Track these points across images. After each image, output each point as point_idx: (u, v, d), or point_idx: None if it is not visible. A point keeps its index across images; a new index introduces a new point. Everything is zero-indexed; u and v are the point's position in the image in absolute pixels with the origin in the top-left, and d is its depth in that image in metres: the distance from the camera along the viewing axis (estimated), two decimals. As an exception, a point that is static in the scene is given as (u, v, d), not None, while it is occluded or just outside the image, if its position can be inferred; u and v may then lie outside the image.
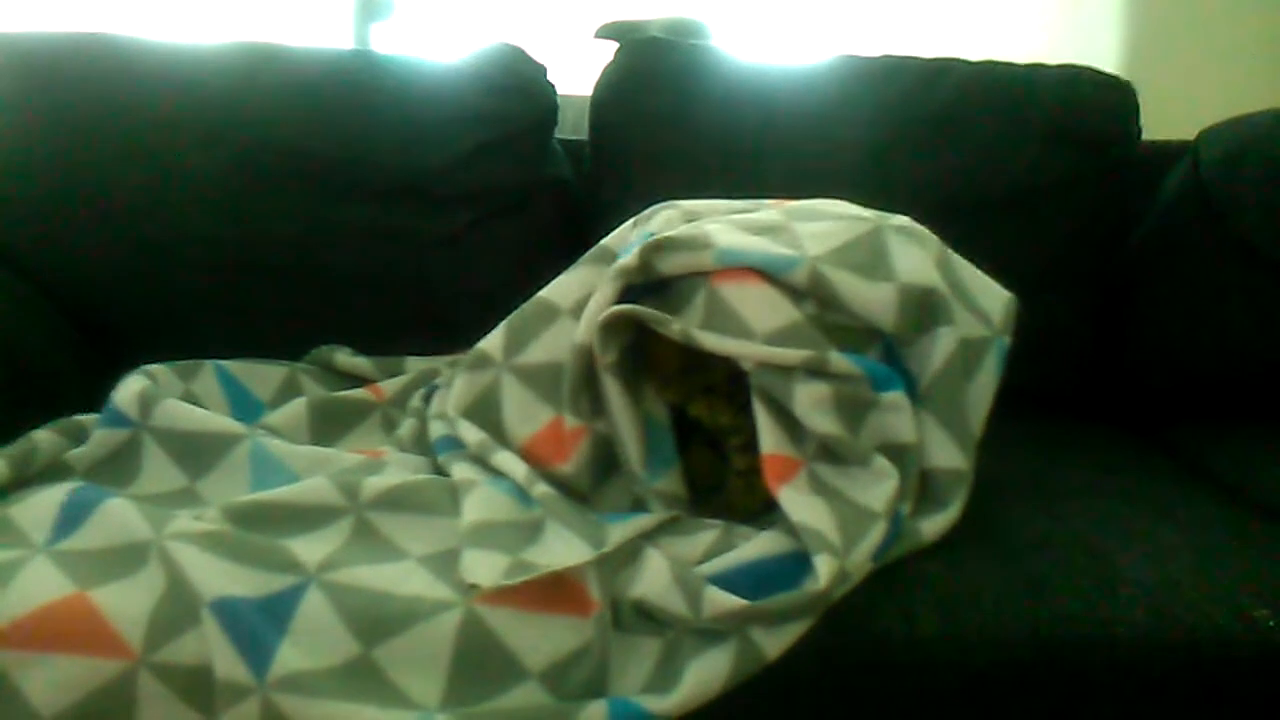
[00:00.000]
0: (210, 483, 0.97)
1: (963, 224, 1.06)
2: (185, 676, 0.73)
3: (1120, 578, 0.87)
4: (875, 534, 0.83)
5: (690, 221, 1.03)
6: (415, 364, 1.25)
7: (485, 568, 0.80)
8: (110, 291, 1.29)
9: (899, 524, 0.87)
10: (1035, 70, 1.44)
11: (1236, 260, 1.32)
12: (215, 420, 1.01)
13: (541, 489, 0.91)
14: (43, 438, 0.96)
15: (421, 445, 1.06)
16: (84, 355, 1.23)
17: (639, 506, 0.95)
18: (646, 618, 0.81)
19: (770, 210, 1.03)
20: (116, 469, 0.97)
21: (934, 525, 0.90)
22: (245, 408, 1.14)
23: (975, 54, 1.47)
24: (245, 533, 0.83)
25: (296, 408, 1.11)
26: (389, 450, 1.05)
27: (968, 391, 0.96)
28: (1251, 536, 0.96)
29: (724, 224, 0.98)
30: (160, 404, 1.00)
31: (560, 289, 1.03)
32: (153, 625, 0.74)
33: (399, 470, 0.96)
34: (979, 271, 1.03)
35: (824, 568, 0.78)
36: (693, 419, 0.96)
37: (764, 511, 0.92)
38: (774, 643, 0.77)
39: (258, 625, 0.74)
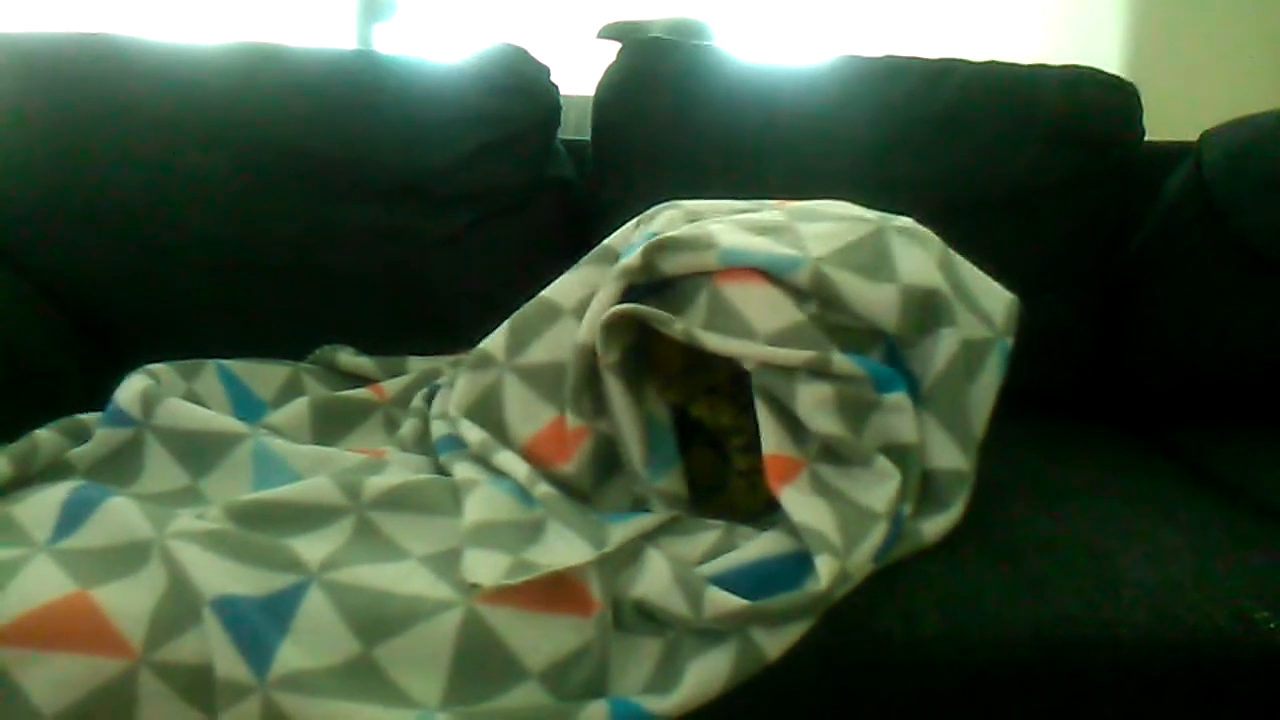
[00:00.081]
0: (212, 482, 0.97)
1: (964, 224, 1.06)
2: (186, 675, 0.73)
3: (1121, 578, 0.87)
4: (877, 535, 0.83)
5: (692, 221, 1.03)
6: (417, 364, 1.26)
7: (486, 567, 0.80)
8: (111, 291, 1.29)
9: (900, 525, 0.87)
10: (1038, 71, 1.44)
11: (1238, 261, 1.32)
12: (217, 419, 1.01)
13: (543, 489, 0.91)
14: (44, 437, 0.96)
15: (423, 445, 1.06)
16: (85, 355, 1.23)
17: (640, 506, 0.95)
18: (647, 618, 0.81)
19: (773, 211, 1.03)
20: (118, 468, 0.97)
21: (935, 526, 0.90)
22: (247, 407, 1.14)
23: (978, 54, 1.47)
24: (247, 532, 0.83)
25: (299, 407, 1.11)
26: (391, 450, 1.05)
27: (970, 393, 0.96)
28: (1252, 538, 0.96)
29: (727, 224, 0.98)
30: (163, 403, 1.00)
31: (562, 289, 1.03)
32: (154, 624, 0.74)
33: (401, 470, 0.96)
34: (981, 272, 1.03)
35: (825, 568, 0.78)
36: (694, 419, 0.96)
37: (765, 512, 0.92)
38: (775, 643, 0.77)
39: (259, 624, 0.74)
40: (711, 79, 1.40)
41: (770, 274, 0.93)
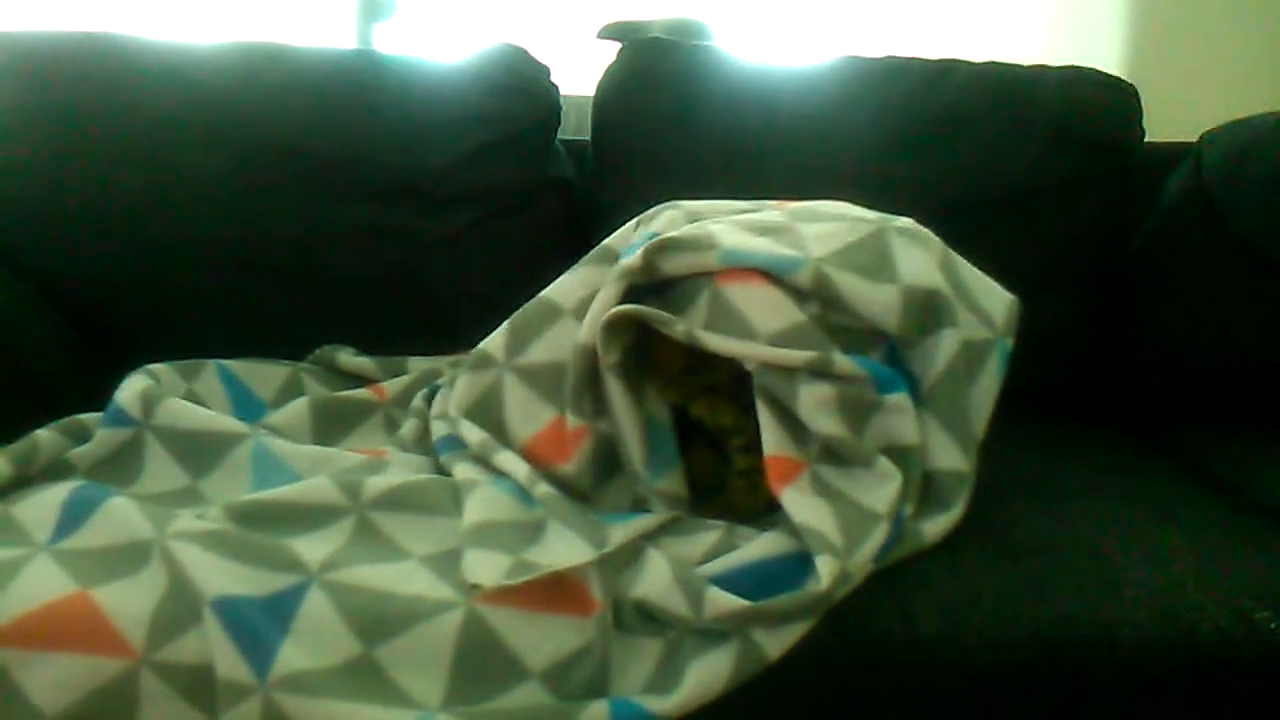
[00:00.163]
0: (212, 482, 0.97)
1: (964, 224, 1.07)
2: (187, 676, 0.73)
3: (1122, 579, 0.87)
4: (878, 535, 0.84)
5: (693, 222, 1.03)
6: (418, 364, 1.25)
7: (487, 568, 0.80)
8: (111, 291, 1.29)
9: (901, 526, 0.87)
10: (1037, 71, 1.44)
11: (1238, 262, 1.33)
12: (218, 420, 1.01)
13: (543, 489, 0.91)
14: (45, 437, 0.95)
15: (424, 445, 1.06)
16: (84, 355, 1.23)
17: (640, 506, 0.95)
18: (648, 618, 0.81)
19: (773, 211, 1.03)
20: (119, 468, 0.97)
21: (936, 526, 0.90)
22: (247, 407, 1.14)
23: (977, 55, 1.47)
24: (247, 532, 0.83)
25: (299, 407, 1.11)
26: (391, 450, 1.05)
27: (970, 393, 0.96)
28: (1253, 538, 0.96)
29: (728, 224, 0.98)
30: (163, 403, 1.00)
31: (562, 289, 1.03)
32: (154, 624, 0.74)
33: (401, 470, 0.96)
34: (981, 273, 1.03)
35: (826, 568, 0.78)
36: (694, 419, 0.96)
37: (765, 512, 0.92)
38: (775, 643, 0.77)
39: (259, 624, 0.74)
40: (711, 79, 1.40)
41: (771, 274, 0.93)
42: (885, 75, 1.42)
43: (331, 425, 1.12)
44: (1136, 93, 1.43)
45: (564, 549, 0.83)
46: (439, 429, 1.04)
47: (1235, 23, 2.12)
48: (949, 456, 0.93)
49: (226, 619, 0.73)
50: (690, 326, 0.91)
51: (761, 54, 1.44)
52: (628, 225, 1.07)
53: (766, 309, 0.92)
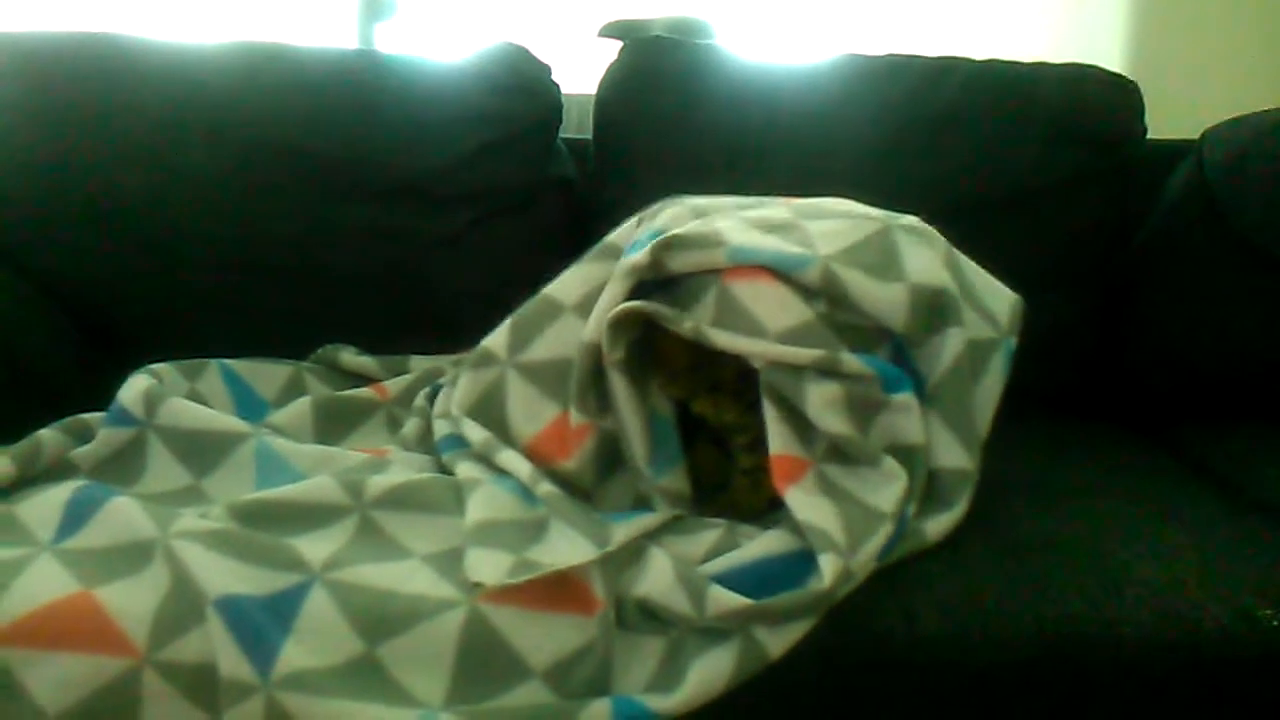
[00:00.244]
0: (215, 481, 0.97)
1: (966, 223, 1.06)
2: (190, 675, 0.73)
3: (1124, 577, 0.87)
4: (881, 534, 0.83)
5: (697, 217, 1.03)
6: (420, 363, 1.26)
7: (489, 566, 0.80)
8: (112, 291, 1.29)
9: (905, 525, 0.87)
10: (1039, 69, 1.44)
11: (1240, 260, 1.32)
12: (220, 419, 1.01)
13: (545, 488, 0.91)
14: (48, 436, 0.96)
15: (426, 444, 1.06)
16: (86, 355, 1.23)
17: (642, 504, 0.95)
18: (650, 617, 0.81)
19: (778, 207, 1.03)
20: (121, 467, 0.97)
21: (938, 525, 0.90)
22: (250, 407, 1.14)
23: (979, 53, 1.47)
24: (250, 531, 0.83)
25: (301, 407, 1.11)
26: (393, 449, 1.05)
27: (975, 393, 0.95)
28: (1255, 536, 0.96)
29: (735, 222, 0.98)
30: (165, 403, 1.00)
31: (564, 285, 1.03)
32: (157, 623, 0.74)
33: (403, 469, 0.96)
34: (985, 272, 1.03)
35: (829, 567, 0.78)
36: (697, 415, 0.95)
37: (768, 510, 0.92)
38: (777, 642, 0.77)
39: (262, 623, 0.74)
40: (713, 78, 1.40)
41: (779, 272, 0.92)
42: (887, 73, 1.42)
43: (334, 424, 1.12)
44: (1138, 90, 1.43)
45: (566, 548, 0.83)
46: (441, 428, 1.04)
47: (1237, 20, 2.12)
48: (953, 455, 0.93)
49: (229, 618, 0.73)
50: (698, 323, 0.91)
51: (763, 52, 1.44)
52: (630, 221, 1.07)
53: (775, 306, 0.91)
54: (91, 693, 0.72)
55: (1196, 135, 1.44)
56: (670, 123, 1.39)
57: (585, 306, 0.98)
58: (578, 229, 1.38)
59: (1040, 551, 0.90)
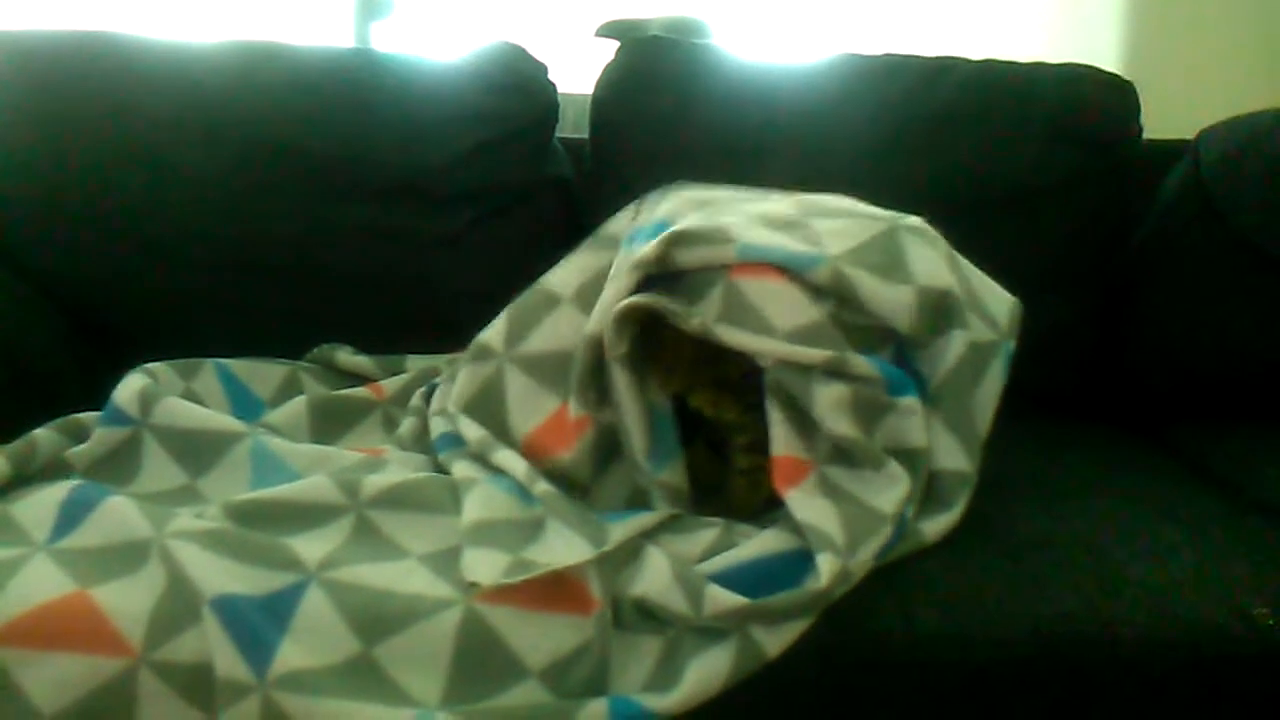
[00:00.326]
0: (211, 481, 0.97)
1: (963, 223, 1.06)
2: (186, 674, 0.73)
3: (1121, 577, 0.87)
4: (881, 536, 0.83)
5: (699, 208, 1.02)
6: (416, 363, 1.25)
7: (486, 566, 0.80)
8: (110, 291, 1.29)
9: (904, 527, 0.87)
10: (1036, 69, 1.44)
11: (1237, 260, 1.32)
12: (216, 418, 1.01)
13: (542, 487, 0.91)
14: (43, 436, 0.95)
15: (422, 444, 1.06)
16: (84, 354, 1.23)
17: (639, 497, 0.95)
18: (647, 616, 0.81)
19: (780, 201, 1.02)
20: (117, 467, 0.97)
21: (936, 526, 0.90)
22: (246, 406, 1.14)
23: (976, 53, 1.47)
24: (246, 531, 0.83)
25: (297, 406, 1.11)
26: (389, 449, 1.05)
27: (976, 395, 0.95)
28: (1252, 536, 0.96)
29: (741, 217, 0.97)
30: (161, 402, 1.00)
31: (561, 276, 1.02)
32: (153, 623, 0.74)
33: (399, 469, 0.96)
34: (983, 274, 1.03)
35: (826, 566, 0.78)
36: (694, 410, 0.95)
37: (765, 510, 0.92)
38: (774, 641, 0.77)
39: (258, 623, 0.74)
40: (710, 77, 1.40)
41: (788, 271, 0.92)
42: (884, 73, 1.42)
43: (330, 424, 1.12)
44: (1135, 90, 1.43)
45: (563, 547, 0.83)
46: (438, 426, 1.04)
47: (1233, 20, 2.12)
48: (953, 457, 0.93)
49: (225, 618, 0.73)
50: (705, 320, 0.90)
51: (760, 52, 1.43)
52: (626, 210, 1.06)
53: (784, 305, 0.91)
54: (88, 693, 0.72)
55: (1193, 135, 1.44)
56: (667, 123, 1.38)
57: (583, 296, 0.98)
58: (575, 228, 1.37)
59: (1038, 551, 0.90)
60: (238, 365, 1.18)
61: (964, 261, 1.02)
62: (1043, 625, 0.83)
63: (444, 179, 1.33)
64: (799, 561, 0.82)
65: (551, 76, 1.41)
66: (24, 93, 1.28)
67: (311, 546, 0.82)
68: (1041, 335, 1.07)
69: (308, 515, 0.87)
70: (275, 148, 1.29)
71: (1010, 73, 1.44)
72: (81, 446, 0.97)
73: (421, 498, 0.90)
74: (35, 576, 0.76)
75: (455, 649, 0.76)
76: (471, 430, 0.99)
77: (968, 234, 1.04)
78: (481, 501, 0.89)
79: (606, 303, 0.92)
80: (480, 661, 0.76)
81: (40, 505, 0.85)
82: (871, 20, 2.59)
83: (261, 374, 1.19)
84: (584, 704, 0.74)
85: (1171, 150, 1.47)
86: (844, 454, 0.89)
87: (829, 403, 0.88)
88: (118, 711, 0.73)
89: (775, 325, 0.90)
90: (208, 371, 1.14)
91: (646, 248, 0.93)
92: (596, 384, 0.95)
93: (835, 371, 0.89)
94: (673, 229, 0.94)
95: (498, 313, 1.04)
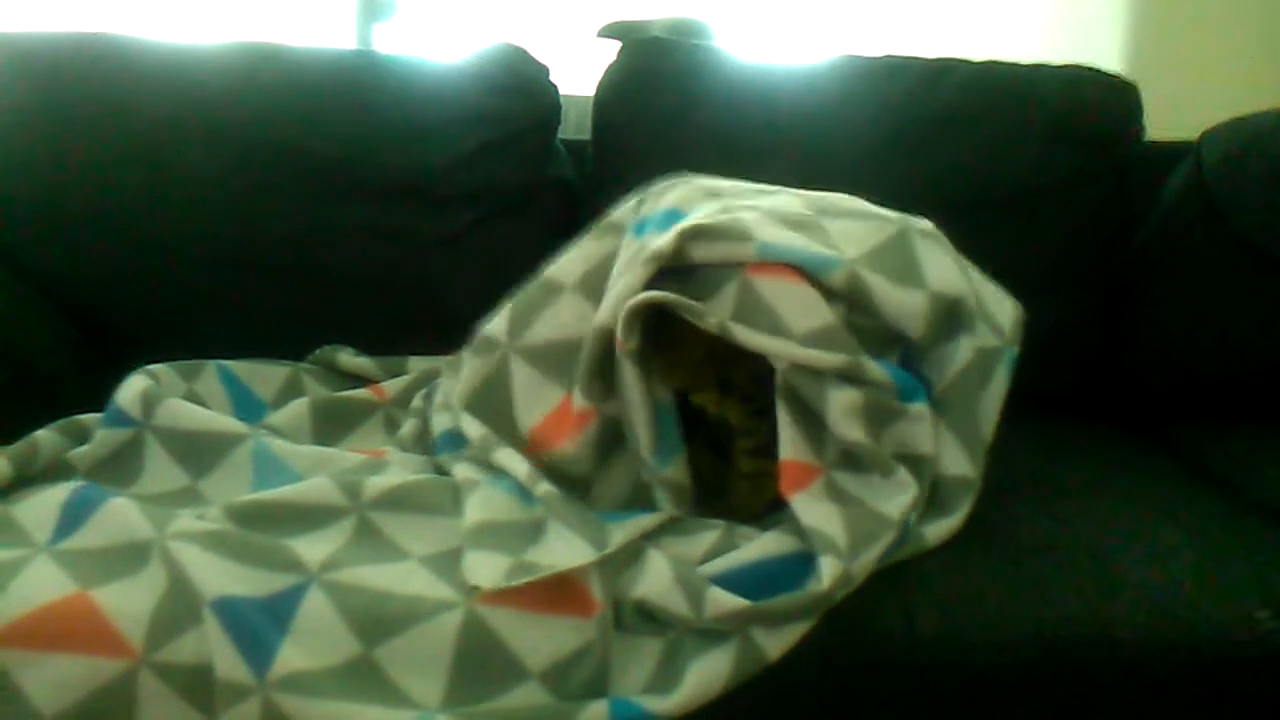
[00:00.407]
0: (212, 482, 0.97)
1: (965, 224, 1.06)
2: (186, 676, 0.73)
3: (1121, 579, 0.87)
4: (885, 540, 0.83)
5: (709, 198, 1.01)
6: (418, 364, 1.25)
7: (487, 569, 0.79)
8: (111, 291, 1.29)
9: (907, 534, 0.87)
10: (1038, 70, 1.44)
11: (1239, 261, 1.32)
12: (218, 420, 1.01)
13: (544, 488, 0.91)
14: (45, 437, 0.95)
15: (423, 445, 1.06)
16: (85, 355, 1.23)
17: (640, 491, 0.94)
18: (648, 618, 0.80)
19: (789, 197, 1.01)
20: (119, 468, 0.97)
21: (938, 530, 0.89)
22: (248, 407, 1.14)
23: (977, 54, 1.47)
24: (247, 532, 0.83)
25: (299, 408, 1.11)
26: (391, 450, 1.05)
27: (981, 401, 0.95)
28: (1253, 537, 0.96)
29: (757, 214, 0.95)
30: (163, 403, 1.00)
31: (564, 265, 1.02)
32: (154, 625, 0.74)
33: (401, 470, 0.96)
34: (985, 279, 1.02)
35: (828, 569, 0.78)
36: (697, 407, 0.94)
37: (766, 512, 0.92)
38: (775, 643, 0.77)
39: (259, 625, 0.74)
40: (712, 79, 1.40)
41: (805, 272, 0.91)
42: (885, 74, 1.42)
43: (331, 425, 1.12)
44: (1136, 91, 1.43)
45: (564, 549, 0.83)
46: (441, 423, 1.04)
47: (1235, 20, 2.12)
48: (957, 463, 0.93)
49: (226, 619, 0.73)
50: (722, 319, 0.89)
51: (761, 53, 1.44)
52: (632, 199, 1.06)
53: (800, 307, 0.89)
54: (88, 694, 0.72)
55: (1195, 136, 1.44)
56: (669, 124, 1.38)
57: (587, 284, 0.97)
58: (576, 230, 1.37)
59: (1039, 553, 0.90)
60: (239, 366, 1.18)
61: (969, 266, 1.01)
62: (1043, 627, 0.83)
63: (445, 180, 1.33)
64: (800, 564, 0.82)
65: (553, 78, 1.41)
66: (24, 93, 1.28)
67: (312, 548, 0.82)
68: (1042, 335, 1.07)
69: (309, 517, 0.87)
70: (276, 148, 1.29)
71: (1011, 74, 1.44)
72: (83, 448, 0.97)
73: (423, 499, 0.90)
74: (36, 578, 0.76)
75: (456, 651, 0.76)
76: (474, 429, 0.98)
77: (969, 234, 1.04)
78: (482, 503, 0.89)
79: (619, 295, 0.90)
80: (481, 663, 0.76)
81: (42, 506, 0.85)
82: (873, 21, 2.59)
83: (263, 375, 1.19)
84: (584, 706, 0.73)
85: (1173, 151, 1.46)
86: (852, 459, 0.89)
87: (842, 408, 0.87)
88: (118, 713, 0.72)
89: (791, 327, 0.89)
90: (209, 373, 1.14)
91: (662, 240, 0.92)
92: (602, 376, 0.94)
93: (849, 376, 0.88)
94: (690, 223, 0.92)
95: (499, 314, 1.04)
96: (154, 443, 0.99)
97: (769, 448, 0.89)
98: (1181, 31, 2.15)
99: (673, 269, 0.93)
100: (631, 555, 0.83)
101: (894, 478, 0.88)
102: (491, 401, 0.99)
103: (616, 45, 1.45)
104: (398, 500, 0.89)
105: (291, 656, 0.73)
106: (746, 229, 0.92)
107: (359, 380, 1.23)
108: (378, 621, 0.77)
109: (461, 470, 0.95)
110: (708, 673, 0.75)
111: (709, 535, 0.87)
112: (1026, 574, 0.87)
